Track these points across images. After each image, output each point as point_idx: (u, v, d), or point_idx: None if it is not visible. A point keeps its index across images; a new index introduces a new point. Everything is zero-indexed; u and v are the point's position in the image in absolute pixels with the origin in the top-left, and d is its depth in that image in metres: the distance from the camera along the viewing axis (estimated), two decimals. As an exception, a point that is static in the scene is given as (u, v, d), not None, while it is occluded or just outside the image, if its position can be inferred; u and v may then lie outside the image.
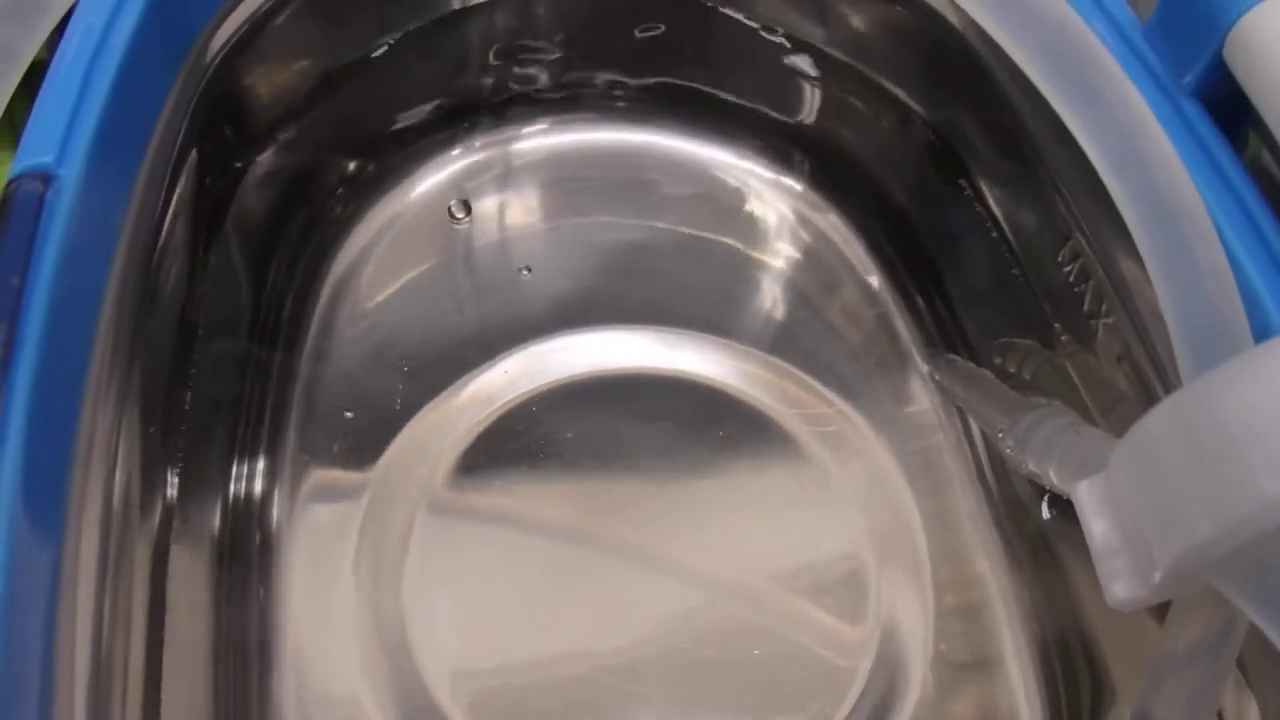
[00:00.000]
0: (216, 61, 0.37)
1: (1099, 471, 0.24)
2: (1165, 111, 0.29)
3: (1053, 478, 0.32)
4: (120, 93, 0.30)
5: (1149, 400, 0.31)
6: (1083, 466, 0.29)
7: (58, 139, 0.28)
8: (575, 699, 0.37)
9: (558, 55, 0.47)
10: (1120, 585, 0.23)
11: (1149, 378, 0.32)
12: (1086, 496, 0.24)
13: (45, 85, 0.29)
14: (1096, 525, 0.24)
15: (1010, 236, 0.40)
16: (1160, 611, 0.31)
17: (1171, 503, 0.21)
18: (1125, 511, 0.23)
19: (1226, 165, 0.29)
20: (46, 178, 0.27)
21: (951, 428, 0.43)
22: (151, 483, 0.32)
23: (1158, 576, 0.22)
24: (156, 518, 0.32)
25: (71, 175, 0.28)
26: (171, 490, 0.34)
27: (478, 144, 0.49)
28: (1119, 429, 0.32)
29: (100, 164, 0.29)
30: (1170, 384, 0.30)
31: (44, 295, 0.26)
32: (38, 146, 0.28)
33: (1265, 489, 0.19)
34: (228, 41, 0.37)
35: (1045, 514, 0.38)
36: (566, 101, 0.49)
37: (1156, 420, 0.22)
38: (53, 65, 0.30)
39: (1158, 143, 0.25)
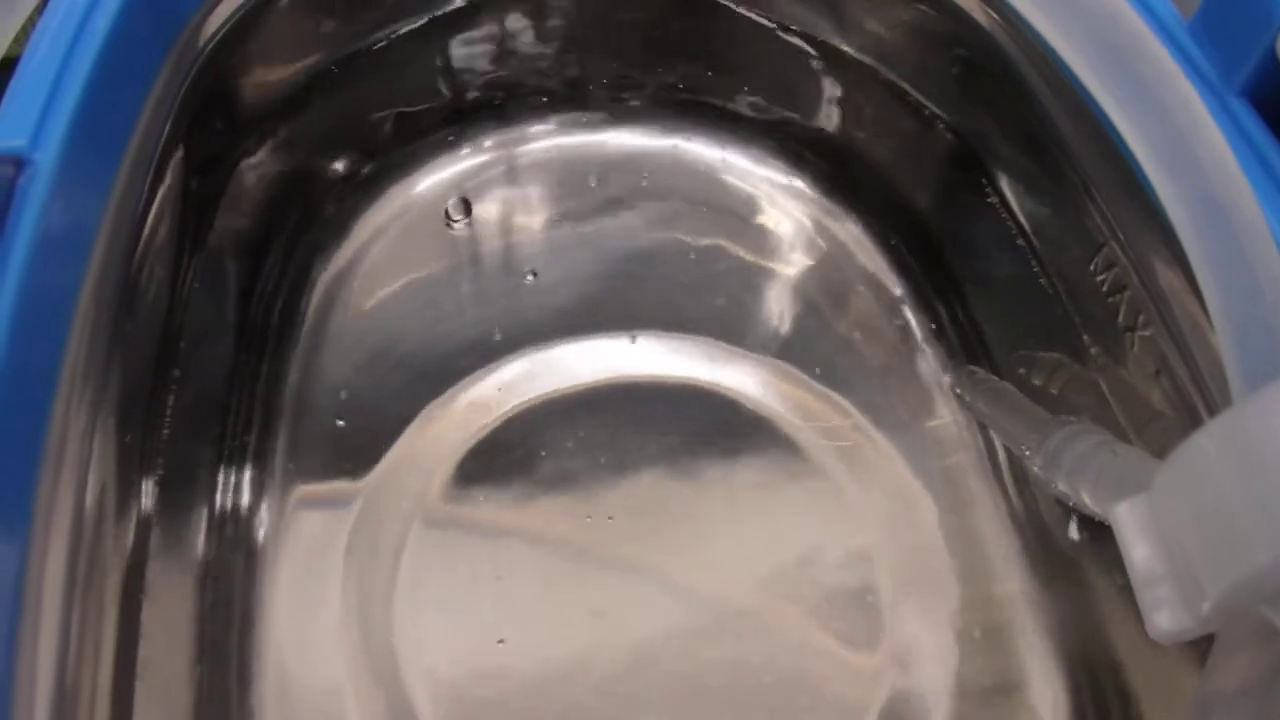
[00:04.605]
0: (209, 48, 0.36)
1: (1139, 492, 0.23)
2: (1212, 111, 0.28)
3: (1085, 499, 0.30)
4: (103, 75, 0.29)
5: (1189, 417, 0.30)
6: (1121, 487, 0.28)
7: (33, 121, 0.27)
8: (572, 724, 0.36)
9: (567, 53, 0.46)
10: (1163, 616, 0.22)
11: (1189, 393, 0.30)
12: (1127, 519, 0.23)
13: (21, 64, 0.28)
14: (1138, 550, 0.23)
15: (1038, 245, 0.39)
16: (1200, 641, 0.29)
17: (1224, 527, 0.20)
18: (1170, 536, 0.22)
19: (1279, 167, 0.27)
20: (19, 162, 0.26)
21: (974, 444, 0.42)
22: (127, 493, 0.31)
23: (1206, 607, 0.21)
24: (132, 530, 0.31)
25: (47, 161, 0.27)
26: (149, 501, 0.33)
27: (480, 144, 0.48)
28: (1155, 447, 0.31)
29: (79, 150, 0.28)
30: (1213, 400, 0.29)
31: (13, 288, 0.25)
32: (10, 128, 0.27)
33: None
34: (221, 27, 0.36)
35: (1073, 535, 0.37)
36: (575, 101, 0.48)
37: (1208, 438, 0.21)
38: (30, 43, 0.28)
39: (1212, 141, 0.24)
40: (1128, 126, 0.24)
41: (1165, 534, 0.22)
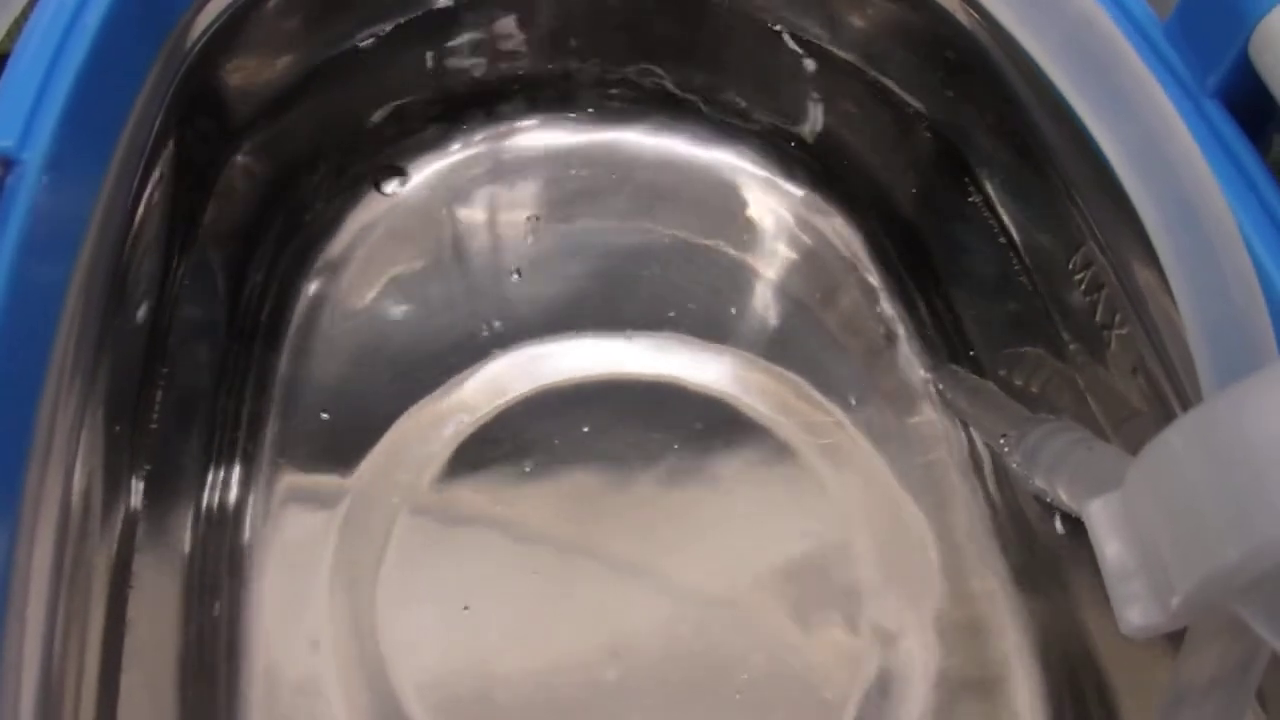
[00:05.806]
0: (198, 47, 0.36)
1: (1113, 489, 0.23)
2: (1187, 113, 0.28)
3: (1062, 495, 0.31)
4: (92, 74, 0.29)
5: (1164, 415, 0.30)
6: (1095, 484, 0.28)
7: (21, 121, 0.27)
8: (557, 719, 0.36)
9: (554, 51, 0.46)
10: (1135, 611, 0.22)
11: (1165, 391, 0.30)
12: (1099, 516, 0.23)
13: (10, 63, 0.28)
14: (1110, 546, 0.23)
15: (1019, 244, 0.39)
16: (1175, 635, 0.30)
17: (1193, 524, 0.20)
18: (1142, 532, 0.22)
19: (1251, 168, 0.28)
20: (7, 162, 0.26)
21: (956, 441, 0.42)
22: (115, 488, 0.31)
23: (1176, 602, 0.21)
24: (119, 525, 0.31)
25: (35, 161, 0.27)
26: (136, 496, 0.33)
27: (469, 141, 0.48)
28: (1132, 445, 0.31)
29: (68, 150, 0.28)
30: (1187, 398, 0.29)
31: (1, 286, 0.25)
32: (-1, 128, 0.27)
33: (1298, 510, 0.18)
34: (211, 26, 0.36)
35: (1055, 531, 0.37)
36: (560, 99, 0.48)
37: (1177, 435, 0.21)
38: (20, 41, 0.28)
39: (1182, 143, 0.24)
40: (1100, 128, 0.24)
41: (1137, 530, 0.22)
